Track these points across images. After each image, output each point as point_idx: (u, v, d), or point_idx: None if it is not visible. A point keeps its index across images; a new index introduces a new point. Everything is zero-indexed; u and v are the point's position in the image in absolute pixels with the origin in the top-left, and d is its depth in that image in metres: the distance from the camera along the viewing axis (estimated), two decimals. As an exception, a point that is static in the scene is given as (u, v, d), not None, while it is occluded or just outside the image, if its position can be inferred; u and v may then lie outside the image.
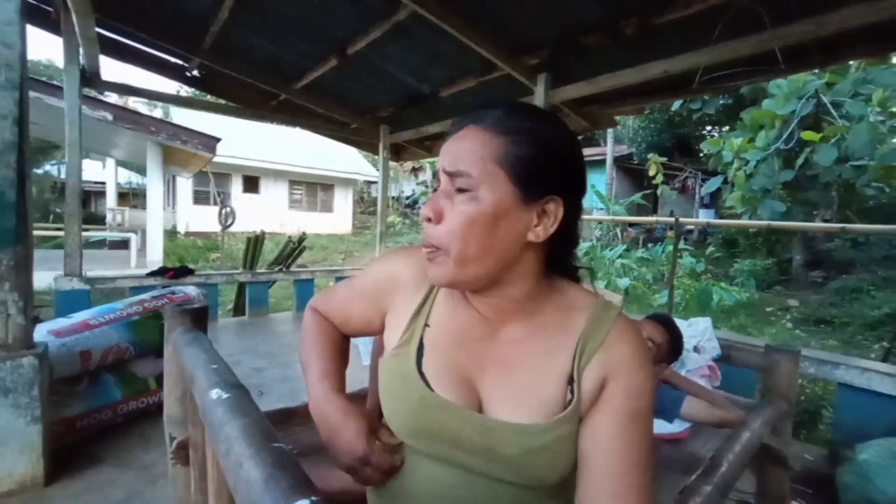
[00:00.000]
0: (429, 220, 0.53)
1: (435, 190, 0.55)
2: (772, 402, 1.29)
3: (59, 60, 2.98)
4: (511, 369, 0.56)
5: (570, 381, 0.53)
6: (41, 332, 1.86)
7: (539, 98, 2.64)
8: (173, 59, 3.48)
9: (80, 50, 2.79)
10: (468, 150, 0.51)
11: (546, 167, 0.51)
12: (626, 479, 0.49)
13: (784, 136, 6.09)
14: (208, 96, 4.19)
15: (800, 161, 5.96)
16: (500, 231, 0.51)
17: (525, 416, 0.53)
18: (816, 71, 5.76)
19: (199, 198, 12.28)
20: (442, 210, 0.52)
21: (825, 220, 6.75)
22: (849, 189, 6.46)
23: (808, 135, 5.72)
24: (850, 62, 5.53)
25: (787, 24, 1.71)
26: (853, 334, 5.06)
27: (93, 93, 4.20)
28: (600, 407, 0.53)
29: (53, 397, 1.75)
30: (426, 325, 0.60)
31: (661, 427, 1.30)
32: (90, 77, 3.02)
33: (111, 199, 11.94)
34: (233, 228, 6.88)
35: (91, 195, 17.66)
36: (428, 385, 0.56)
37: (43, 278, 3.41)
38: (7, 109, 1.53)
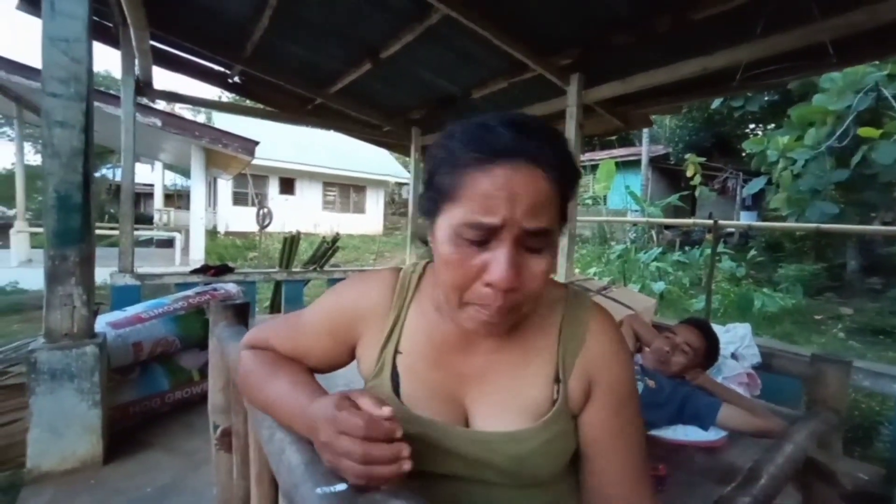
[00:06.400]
0: (513, 289, 0.45)
1: (475, 243, 0.45)
2: (818, 414, 1.22)
3: (115, 71, 3.21)
4: (493, 379, 0.56)
5: (557, 380, 0.55)
6: (100, 324, 2.01)
7: (572, 98, 2.61)
8: (217, 67, 3.68)
9: (136, 62, 3.00)
10: (543, 202, 0.45)
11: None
12: (630, 463, 0.55)
13: (838, 134, 5.70)
14: (248, 101, 4.38)
15: (856, 159, 5.55)
16: None
17: (512, 423, 0.53)
18: (877, 63, 5.36)
19: (238, 199, 12.85)
20: (521, 273, 0.46)
21: (885, 223, 6.26)
22: (912, 189, 5.97)
23: (865, 131, 5.32)
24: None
25: (837, 14, 1.62)
26: (916, 347, 4.66)
27: (143, 100, 4.49)
28: (593, 405, 0.55)
29: (109, 384, 1.89)
30: (398, 351, 0.58)
31: (695, 434, 1.26)
32: (143, 86, 3.24)
33: (158, 200, 12.68)
34: (269, 229, 7.15)
35: (140, 196, 18.81)
36: (410, 411, 0.55)
37: (99, 274, 3.66)
38: (76, 119, 1.67)
